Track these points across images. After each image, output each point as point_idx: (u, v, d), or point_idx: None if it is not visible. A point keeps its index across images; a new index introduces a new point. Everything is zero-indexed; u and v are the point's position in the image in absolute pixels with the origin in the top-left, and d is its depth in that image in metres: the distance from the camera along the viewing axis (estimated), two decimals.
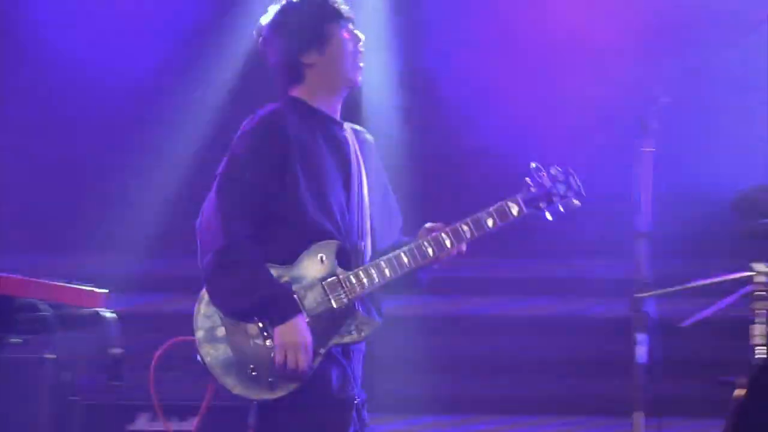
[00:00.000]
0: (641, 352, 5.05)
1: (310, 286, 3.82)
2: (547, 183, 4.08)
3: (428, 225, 4.02)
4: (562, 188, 4.11)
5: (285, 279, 3.80)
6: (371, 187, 4.08)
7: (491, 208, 4.02)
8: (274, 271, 3.79)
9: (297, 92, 4.04)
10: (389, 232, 4.11)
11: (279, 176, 3.86)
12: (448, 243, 3.96)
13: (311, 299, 3.82)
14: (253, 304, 3.75)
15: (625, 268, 5.29)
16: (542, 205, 4.08)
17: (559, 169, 4.13)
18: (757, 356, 4.64)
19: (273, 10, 4.08)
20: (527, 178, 4.06)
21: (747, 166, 6.07)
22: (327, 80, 4.04)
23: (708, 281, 4.96)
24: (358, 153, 4.07)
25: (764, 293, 4.74)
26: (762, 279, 4.76)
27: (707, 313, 4.98)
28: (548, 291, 6.66)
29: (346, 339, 3.86)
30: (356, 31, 4.06)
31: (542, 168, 4.08)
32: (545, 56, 6.61)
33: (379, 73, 6.54)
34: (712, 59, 5.62)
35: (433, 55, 6.73)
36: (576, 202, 4.10)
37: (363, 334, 3.87)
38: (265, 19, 4.08)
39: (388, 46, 6.65)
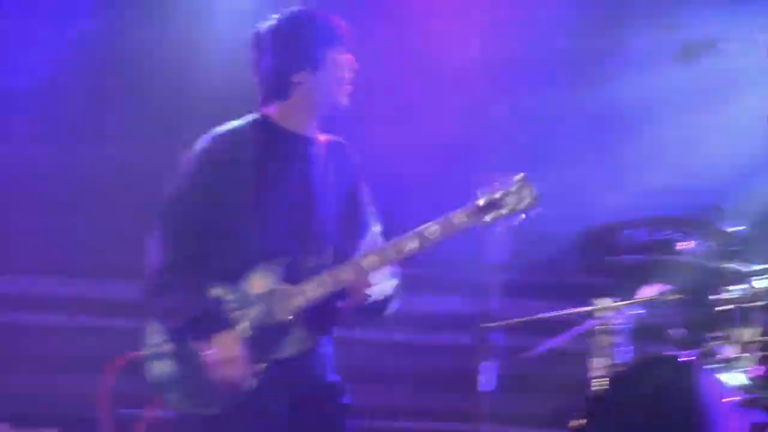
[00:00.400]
0: (484, 379, 5.16)
1: (253, 302, 3.87)
2: (497, 195, 3.94)
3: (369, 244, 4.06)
4: (512, 200, 3.96)
5: (229, 297, 3.85)
6: (340, 201, 4.10)
7: (438, 219, 3.93)
8: (218, 290, 3.84)
9: (273, 109, 4.06)
10: (355, 246, 4.07)
11: (222, 199, 3.90)
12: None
13: (252, 315, 3.87)
14: (186, 323, 3.82)
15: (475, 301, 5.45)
16: (486, 218, 3.93)
17: (514, 182, 3.96)
18: (594, 388, 4.94)
19: (274, 20, 4.09)
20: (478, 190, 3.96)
21: (594, 205, 6.29)
22: (311, 101, 4.06)
23: (552, 314, 5.26)
24: (330, 168, 4.10)
25: (605, 328, 5.07)
26: (602, 314, 5.10)
27: (552, 343, 5.29)
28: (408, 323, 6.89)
29: (287, 352, 3.89)
30: (350, 56, 4.09)
31: (495, 178, 3.98)
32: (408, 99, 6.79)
33: None
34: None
35: None
36: (522, 216, 3.93)
37: (302, 348, 3.90)
38: (264, 28, 4.09)
39: None
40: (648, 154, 6.63)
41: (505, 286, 5.31)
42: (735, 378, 4.51)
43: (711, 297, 4.78)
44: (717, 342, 4.73)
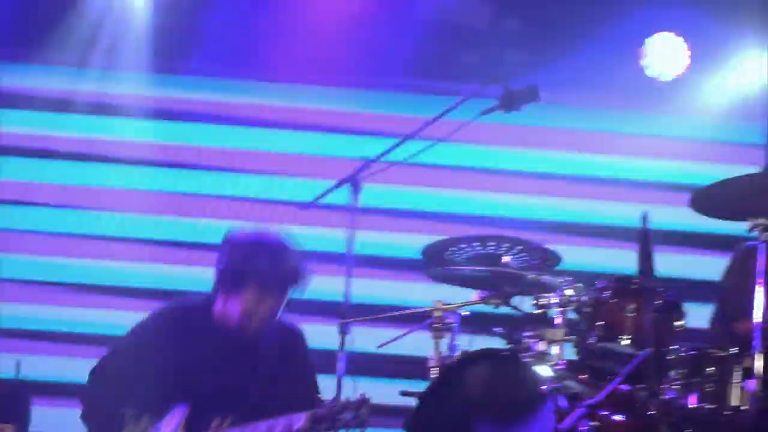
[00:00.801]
0: (341, 366, 5.65)
1: None
2: (337, 407, 4.38)
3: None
4: (348, 416, 4.35)
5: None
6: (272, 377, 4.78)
7: (280, 419, 4.44)
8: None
9: (219, 301, 4.81)
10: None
11: (148, 366, 4.73)
12: None
13: None
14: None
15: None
16: (324, 426, 4.36)
17: (355, 399, 4.40)
18: (432, 376, 5.43)
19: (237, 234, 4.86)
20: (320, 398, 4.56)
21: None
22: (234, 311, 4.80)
23: (398, 313, 5.84)
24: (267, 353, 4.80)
25: (440, 326, 5.57)
26: (439, 314, 5.57)
27: (398, 337, 5.79)
28: None
29: None
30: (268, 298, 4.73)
31: (339, 395, 4.58)
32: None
33: None
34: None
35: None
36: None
37: None
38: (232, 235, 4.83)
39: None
40: None
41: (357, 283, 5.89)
42: (545, 370, 5.00)
43: (530, 301, 5.34)
44: (531, 339, 5.27)
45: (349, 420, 4.36)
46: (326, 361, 5.54)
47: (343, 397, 4.51)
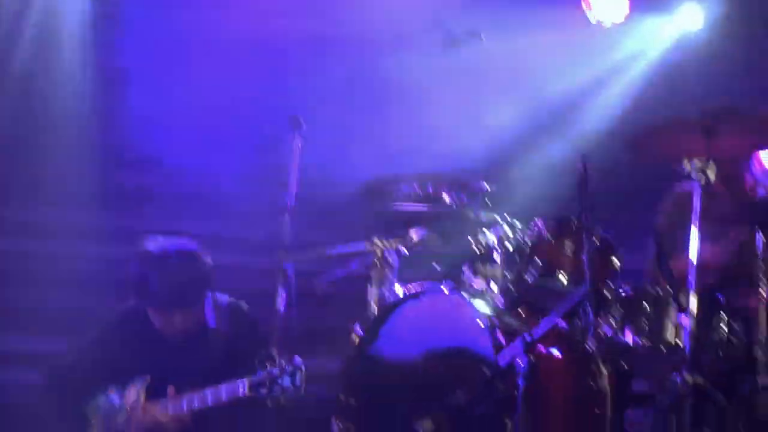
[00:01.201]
0: (280, 302, 5.76)
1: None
2: (275, 372, 4.61)
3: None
4: (286, 381, 4.61)
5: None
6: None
7: (223, 386, 4.68)
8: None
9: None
10: None
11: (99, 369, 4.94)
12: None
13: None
14: None
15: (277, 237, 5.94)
16: (263, 391, 4.61)
17: (291, 364, 4.62)
18: (372, 311, 5.54)
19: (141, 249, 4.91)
20: (258, 363, 4.66)
21: (379, 158, 6.99)
22: None
23: (337, 251, 5.82)
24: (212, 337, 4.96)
25: (378, 263, 5.65)
26: (379, 252, 5.65)
27: (338, 275, 5.91)
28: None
29: None
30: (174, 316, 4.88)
31: (275, 358, 4.67)
32: (214, 59, 7.31)
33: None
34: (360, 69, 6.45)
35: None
36: (293, 396, 4.59)
37: None
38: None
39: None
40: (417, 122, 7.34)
41: (296, 222, 5.93)
42: (483, 306, 5.09)
43: (469, 239, 5.41)
44: (470, 276, 5.35)
45: (286, 386, 4.62)
46: (266, 300, 5.62)
47: (281, 364, 4.66)
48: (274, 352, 4.79)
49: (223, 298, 5.17)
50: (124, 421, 4.90)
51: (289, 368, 4.64)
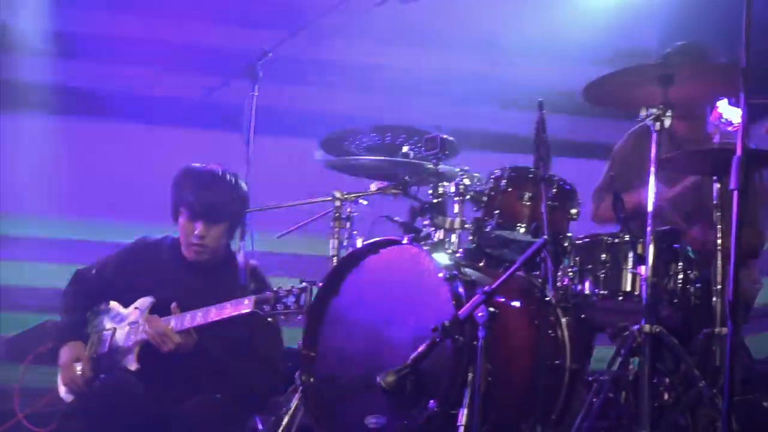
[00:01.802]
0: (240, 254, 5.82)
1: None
2: (281, 293, 4.89)
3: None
4: (291, 300, 4.87)
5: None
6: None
7: (228, 302, 4.95)
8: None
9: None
10: None
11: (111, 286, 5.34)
12: (172, 323, 5.07)
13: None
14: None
15: None
16: (267, 308, 4.88)
17: (299, 286, 4.90)
18: (333, 264, 5.55)
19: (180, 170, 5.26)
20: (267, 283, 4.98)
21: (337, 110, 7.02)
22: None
23: (297, 203, 5.90)
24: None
25: (338, 214, 5.71)
26: (337, 203, 5.71)
27: (297, 226, 5.96)
28: None
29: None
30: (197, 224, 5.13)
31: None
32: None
33: None
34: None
35: None
36: (297, 316, 4.89)
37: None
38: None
39: None
40: None
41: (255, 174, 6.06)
42: (442, 257, 5.06)
43: (428, 191, 5.42)
44: (429, 228, 5.34)
45: (290, 303, 4.85)
46: None
47: (288, 286, 4.92)
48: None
49: (246, 258, 5.48)
50: (123, 335, 5.17)
51: (296, 290, 4.86)
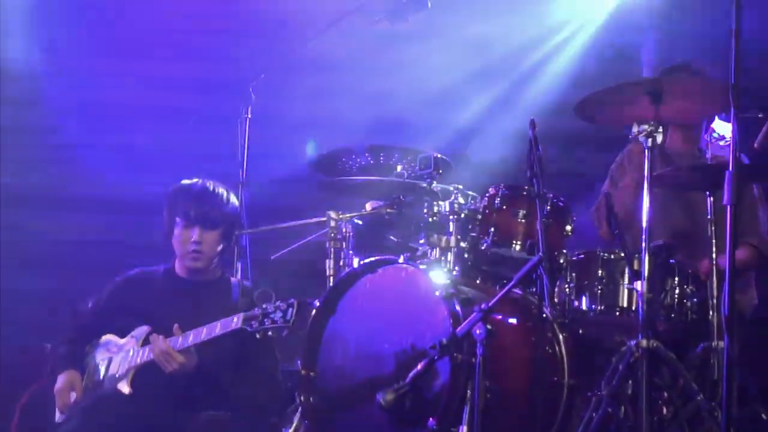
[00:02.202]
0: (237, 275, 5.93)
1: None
2: (269, 309, 4.97)
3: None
4: (278, 315, 4.94)
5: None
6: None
7: (219, 321, 5.03)
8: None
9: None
10: None
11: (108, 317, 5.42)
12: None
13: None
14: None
15: None
16: (254, 324, 4.96)
17: (286, 302, 4.94)
18: (328, 284, 5.60)
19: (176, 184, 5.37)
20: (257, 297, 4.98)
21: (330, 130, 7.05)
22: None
23: (292, 223, 5.89)
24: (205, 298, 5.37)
25: (334, 234, 5.71)
26: (333, 224, 5.70)
27: (292, 247, 5.99)
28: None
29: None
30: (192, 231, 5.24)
31: (272, 295, 4.98)
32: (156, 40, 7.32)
33: None
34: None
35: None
36: (284, 332, 4.93)
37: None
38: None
39: None
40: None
41: (250, 196, 6.12)
42: (439, 275, 5.03)
43: (423, 210, 5.37)
44: (425, 247, 5.34)
45: (277, 318, 4.91)
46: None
47: (276, 302, 4.97)
48: (270, 291, 5.02)
49: (239, 281, 5.62)
50: (117, 363, 5.27)
51: (283, 305, 4.94)
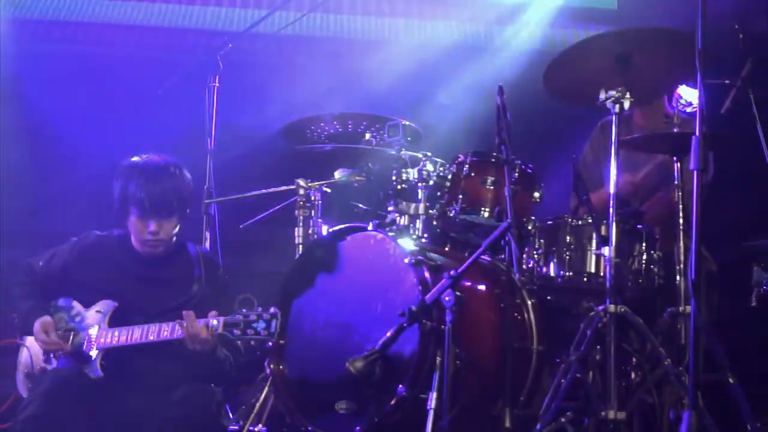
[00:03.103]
0: (206, 245, 5.96)
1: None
2: (251, 317, 4.80)
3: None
4: (261, 326, 4.78)
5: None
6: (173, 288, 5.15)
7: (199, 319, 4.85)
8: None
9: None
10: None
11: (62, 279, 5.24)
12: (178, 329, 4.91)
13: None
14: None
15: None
16: (237, 332, 4.80)
17: (268, 312, 4.80)
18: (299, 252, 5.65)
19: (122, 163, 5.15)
20: (237, 306, 4.84)
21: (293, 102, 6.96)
22: None
23: (261, 192, 5.87)
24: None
25: (303, 203, 5.71)
26: (302, 192, 5.71)
27: (262, 216, 5.97)
28: None
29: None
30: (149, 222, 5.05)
31: (254, 303, 4.83)
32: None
33: None
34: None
35: None
36: (266, 342, 4.84)
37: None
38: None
39: None
40: None
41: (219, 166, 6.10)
42: (408, 243, 5.05)
43: (392, 178, 5.41)
44: (394, 214, 5.35)
45: (260, 330, 4.78)
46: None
47: (258, 311, 4.81)
48: (252, 298, 4.88)
49: (197, 246, 5.40)
50: (85, 339, 5.08)
51: (266, 316, 4.78)
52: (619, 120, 5.00)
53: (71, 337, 5.11)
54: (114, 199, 5.19)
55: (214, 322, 4.85)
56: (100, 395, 4.98)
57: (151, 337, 4.97)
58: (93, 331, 5.10)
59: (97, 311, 5.14)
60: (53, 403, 4.84)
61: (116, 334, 5.04)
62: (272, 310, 4.80)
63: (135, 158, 5.23)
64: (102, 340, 5.05)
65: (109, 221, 5.41)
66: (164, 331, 4.95)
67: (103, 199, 5.41)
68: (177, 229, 5.24)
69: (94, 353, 5.05)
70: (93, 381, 5.02)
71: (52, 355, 5.18)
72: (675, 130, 5.26)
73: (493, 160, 5.39)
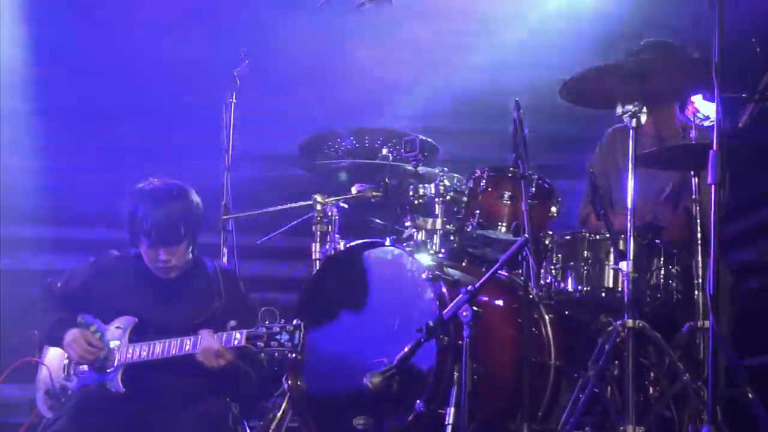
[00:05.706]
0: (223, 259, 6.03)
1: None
2: (274, 329, 4.77)
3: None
4: (284, 338, 4.74)
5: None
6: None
7: (219, 333, 4.84)
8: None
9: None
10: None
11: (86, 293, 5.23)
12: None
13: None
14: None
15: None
16: (260, 344, 4.77)
17: (292, 324, 4.75)
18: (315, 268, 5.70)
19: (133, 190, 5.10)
20: (259, 318, 4.81)
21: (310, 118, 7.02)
22: None
23: (279, 208, 5.92)
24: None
25: (320, 219, 5.75)
26: (319, 207, 5.74)
27: (280, 231, 6.01)
28: None
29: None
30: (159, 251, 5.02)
31: (276, 315, 4.81)
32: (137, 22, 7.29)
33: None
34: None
35: None
36: (290, 354, 4.75)
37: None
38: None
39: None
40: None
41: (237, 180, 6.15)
42: (425, 258, 5.03)
43: (409, 193, 5.40)
44: (411, 229, 5.35)
45: (284, 341, 4.72)
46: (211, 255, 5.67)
47: (281, 322, 4.78)
48: (275, 310, 4.87)
49: (214, 261, 5.39)
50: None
51: (290, 327, 4.75)
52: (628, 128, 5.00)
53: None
54: (125, 225, 5.17)
55: (237, 335, 4.83)
56: (121, 411, 4.98)
57: (173, 351, 4.96)
58: (114, 346, 5.10)
59: (117, 327, 5.14)
60: (79, 421, 4.85)
61: (137, 349, 5.04)
62: (296, 321, 4.77)
63: (141, 184, 5.20)
64: (124, 355, 5.05)
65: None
66: (186, 344, 4.94)
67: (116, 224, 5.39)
68: (190, 252, 5.20)
69: (115, 368, 5.06)
70: (115, 396, 5.02)
71: (72, 372, 5.18)
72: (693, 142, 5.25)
73: (509, 174, 5.38)
